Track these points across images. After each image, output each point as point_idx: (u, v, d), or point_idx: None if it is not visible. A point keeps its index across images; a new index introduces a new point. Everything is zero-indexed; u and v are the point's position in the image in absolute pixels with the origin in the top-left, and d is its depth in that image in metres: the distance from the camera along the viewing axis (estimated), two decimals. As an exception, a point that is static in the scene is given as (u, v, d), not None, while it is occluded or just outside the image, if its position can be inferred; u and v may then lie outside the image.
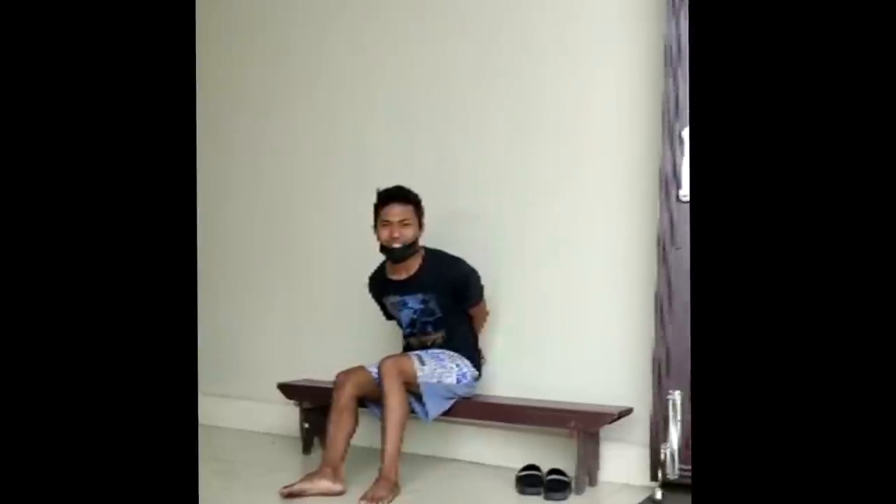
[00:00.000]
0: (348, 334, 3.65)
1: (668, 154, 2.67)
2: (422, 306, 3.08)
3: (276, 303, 3.95)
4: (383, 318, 3.31)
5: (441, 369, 2.99)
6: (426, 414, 2.96)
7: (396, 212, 2.99)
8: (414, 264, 3.08)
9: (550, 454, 3.07)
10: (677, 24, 2.64)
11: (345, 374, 2.96)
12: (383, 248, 3.04)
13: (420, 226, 3.06)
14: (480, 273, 3.09)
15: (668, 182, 2.67)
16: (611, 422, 2.88)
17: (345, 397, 2.90)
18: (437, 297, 3.06)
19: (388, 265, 3.13)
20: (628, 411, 2.91)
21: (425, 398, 2.94)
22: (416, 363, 2.95)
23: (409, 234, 3.00)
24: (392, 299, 3.15)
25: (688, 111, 2.64)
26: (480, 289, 3.12)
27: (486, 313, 3.22)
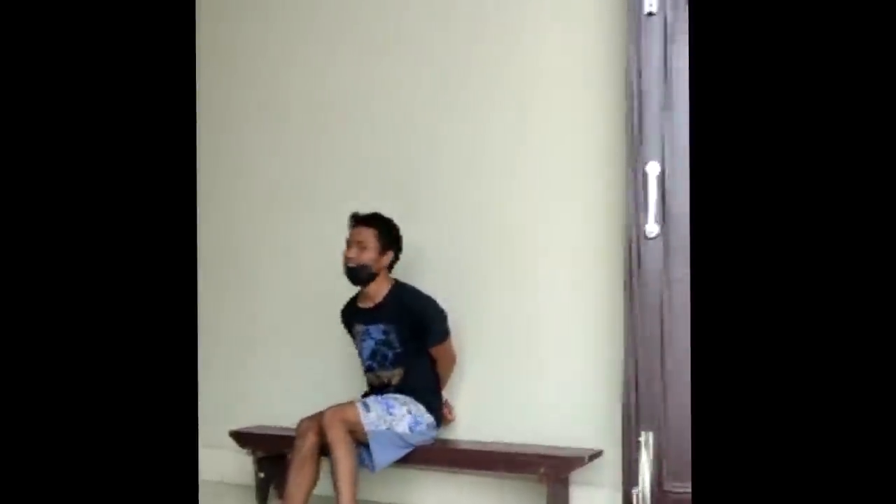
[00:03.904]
0: (306, 375, 3.53)
1: (633, 189, 2.63)
2: (383, 337, 3.02)
3: (224, 340, 3.78)
4: (352, 351, 3.22)
5: (390, 416, 2.89)
6: (373, 464, 2.85)
7: (357, 233, 3.02)
8: (380, 293, 3.04)
9: (519, 499, 2.99)
10: (639, 56, 2.64)
11: (308, 421, 2.85)
12: (344, 269, 3.04)
13: (383, 252, 3.02)
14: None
15: (634, 219, 2.63)
16: (580, 466, 2.80)
17: (307, 446, 2.79)
18: (397, 329, 2.99)
19: (360, 293, 3.11)
20: (598, 454, 2.84)
21: (371, 446, 2.82)
22: (361, 410, 2.84)
23: (364, 256, 2.98)
24: (358, 328, 3.11)
25: (651, 146, 2.62)
26: (443, 328, 3.04)
27: (453, 358, 3.13)
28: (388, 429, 2.86)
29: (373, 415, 2.84)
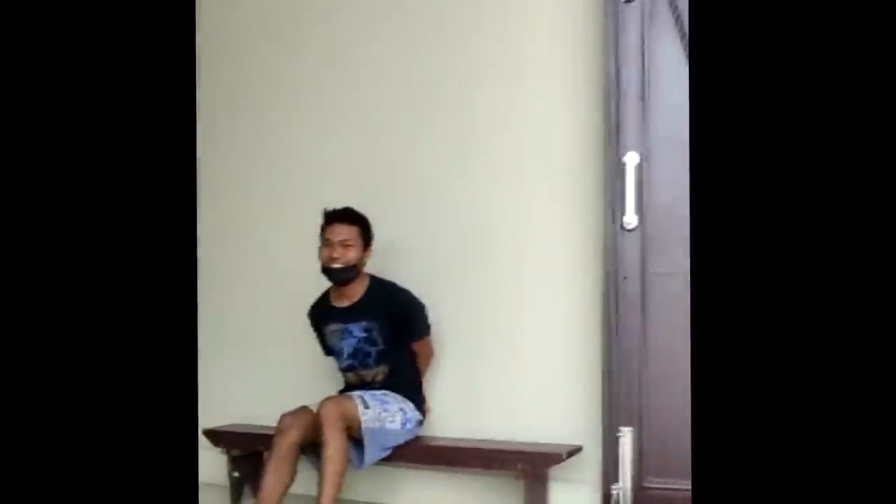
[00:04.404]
0: (281, 373, 3.46)
1: (612, 182, 2.58)
2: (365, 335, 2.94)
3: (200, 335, 3.71)
4: (322, 353, 3.15)
5: (385, 413, 2.82)
6: (361, 462, 2.79)
7: (338, 232, 2.91)
8: (358, 290, 2.97)
9: (497, 497, 2.94)
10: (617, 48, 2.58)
11: (290, 417, 2.76)
12: (324, 269, 2.93)
13: (365, 250, 2.95)
14: (420, 308, 2.97)
15: (612, 210, 2.58)
16: (559, 462, 2.75)
17: (287, 445, 2.70)
18: (380, 327, 2.92)
19: (332, 291, 3.02)
20: (577, 450, 2.79)
21: (366, 445, 2.76)
22: (360, 406, 2.77)
23: (350, 255, 2.89)
24: (334, 327, 3.01)
25: (629, 135, 2.57)
26: (426, 323, 3.00)
27: (432, 353, 3.08)
28: (381, 426, 2.80)
29: (371, 411, 2.78)
